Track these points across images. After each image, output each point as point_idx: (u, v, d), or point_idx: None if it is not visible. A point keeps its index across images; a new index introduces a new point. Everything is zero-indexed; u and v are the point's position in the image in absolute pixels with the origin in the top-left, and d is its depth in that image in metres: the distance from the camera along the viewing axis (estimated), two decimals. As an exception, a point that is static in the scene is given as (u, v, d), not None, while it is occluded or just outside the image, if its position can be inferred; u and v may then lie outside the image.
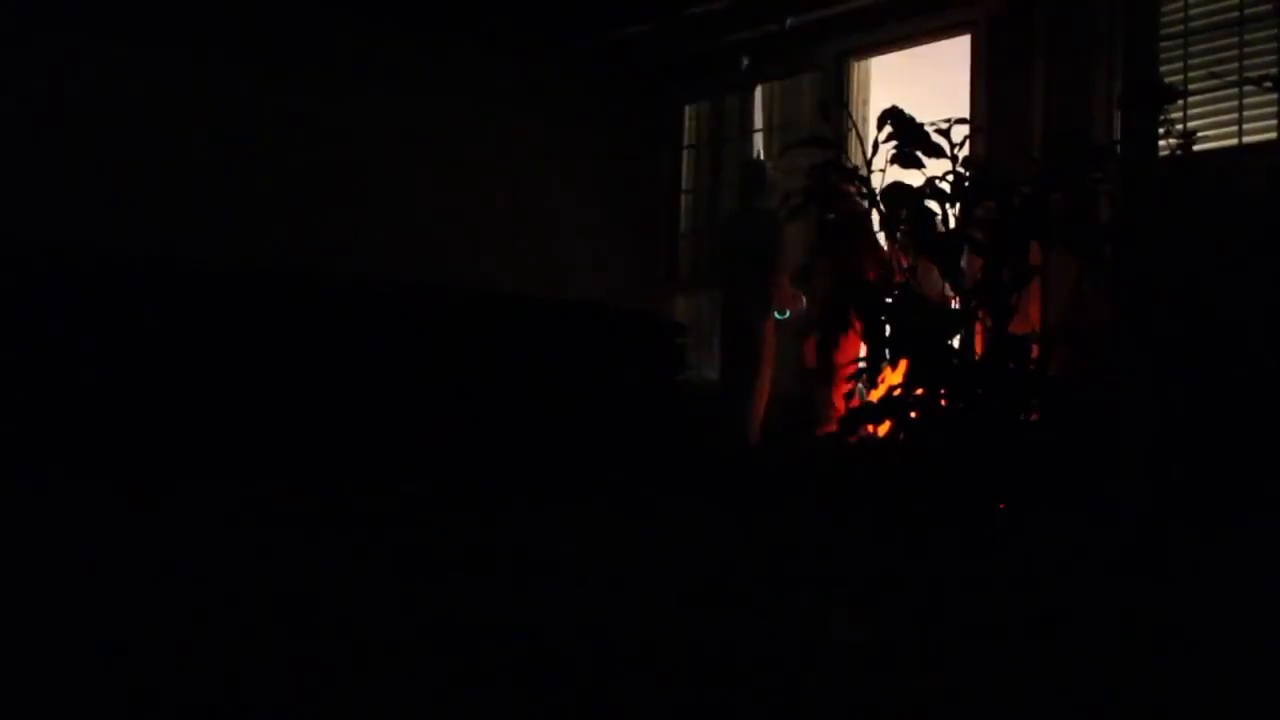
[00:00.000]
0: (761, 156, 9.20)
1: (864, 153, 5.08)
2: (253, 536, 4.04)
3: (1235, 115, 6.62)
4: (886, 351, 4.84)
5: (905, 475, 4.84)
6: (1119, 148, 5.27)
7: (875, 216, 5.14)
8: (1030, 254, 5.01)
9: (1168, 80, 6.59)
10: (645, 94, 10.05)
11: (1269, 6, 6.35)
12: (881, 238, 5.09)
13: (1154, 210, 4.68)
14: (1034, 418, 4.79)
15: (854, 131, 6.63)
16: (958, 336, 5.08)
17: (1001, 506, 4.60)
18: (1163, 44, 6.86)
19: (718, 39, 9.18)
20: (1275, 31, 6.47)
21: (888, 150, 4.97)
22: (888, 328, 4.84)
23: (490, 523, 4.66)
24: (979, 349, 5.07)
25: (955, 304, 5.15)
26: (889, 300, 4.90)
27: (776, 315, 7.70)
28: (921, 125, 4.96)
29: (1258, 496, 4.22)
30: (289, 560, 3.52)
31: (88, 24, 7.59)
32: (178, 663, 2.22)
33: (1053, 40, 7.43)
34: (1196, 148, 5.12)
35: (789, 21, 8.25)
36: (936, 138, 4.95)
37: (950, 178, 4.98)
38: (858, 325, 4.98)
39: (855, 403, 5.49)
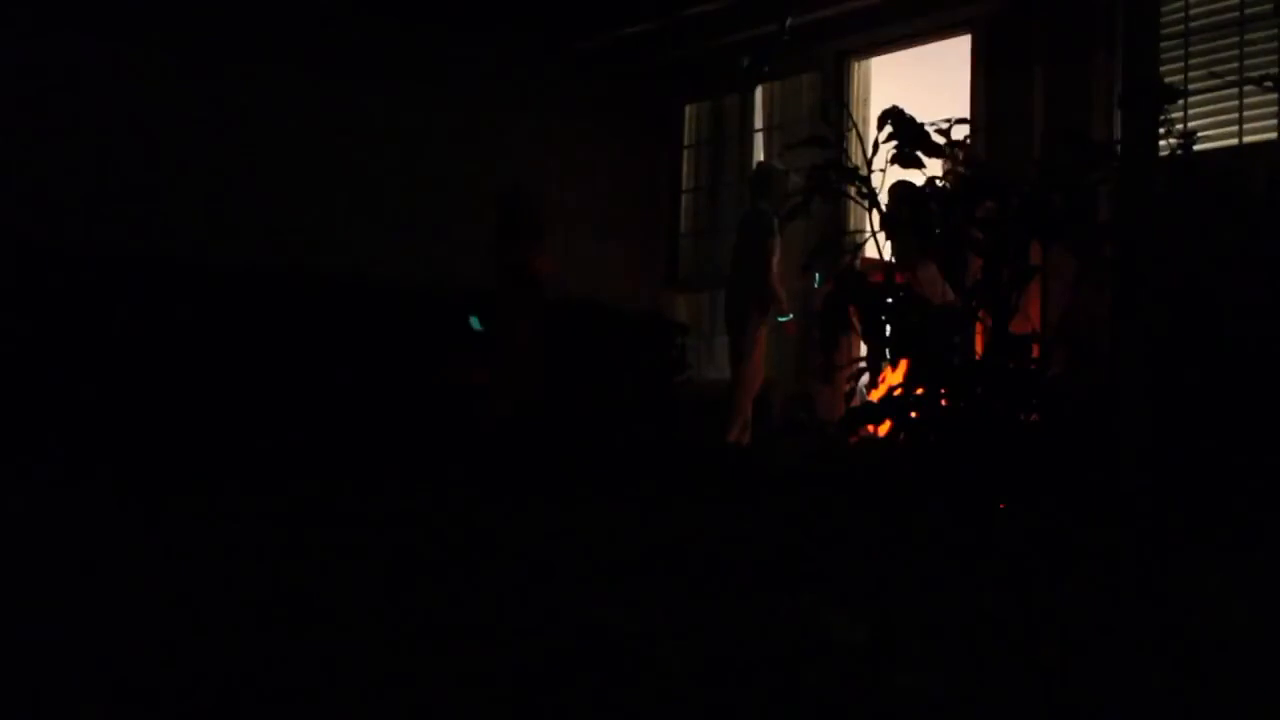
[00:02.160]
0: (763, 157, 9.21)
1: (864, 153, 5.08)
2: (250, 536, 4.03)
3: (1235, 115, 6.63)
4: (886, 351, 4.85)
5: (905, 475, 4.85)
6: (1119, 148, 5.27)
7: (875, 216, 5.14)
8: (1030, 254, 5.01)
9: (1168, 80, 6.59)
10: (645, 94, 10.06)
11: (1269, 6, 6.35)
12: (881, 237, 5.09)
13: (1154, 210, 4.68)
14: (1034, 417, 4.79)
15: (854, 131, 6.63)
16: (958, 336, 5.09)
17: (1002, 506, 4.60)
18: (1163, 44, 6.86)
19: (718, 39, 9.19)
20: (1275, 31, 6.47)
21: (888, 150, 4.97)
22: (888, 328, 4.84)
23: (488, 521, 4.66)
24: (979, 349, 5.08)
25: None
26: (889, 300, 4.91)
27: (779, 319, 7.70)
28: (921, 125, 4.96)
29: (1257, 496, 4.22)
30: (288, 560, 3.52)
31: (72, 21, 7.60)
32: (176, 663, 2.23)
33: (1053, 40, 7.43)
34: (1196, 148, 5.13)
35: (789, 21, 8.25)
36: (936, 138, 4.96)
37: (951, 178, 4.98)
38: (857, 325, 4.99)
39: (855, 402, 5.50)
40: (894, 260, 5.13)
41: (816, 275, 7.48)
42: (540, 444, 6.86)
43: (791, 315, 7.74)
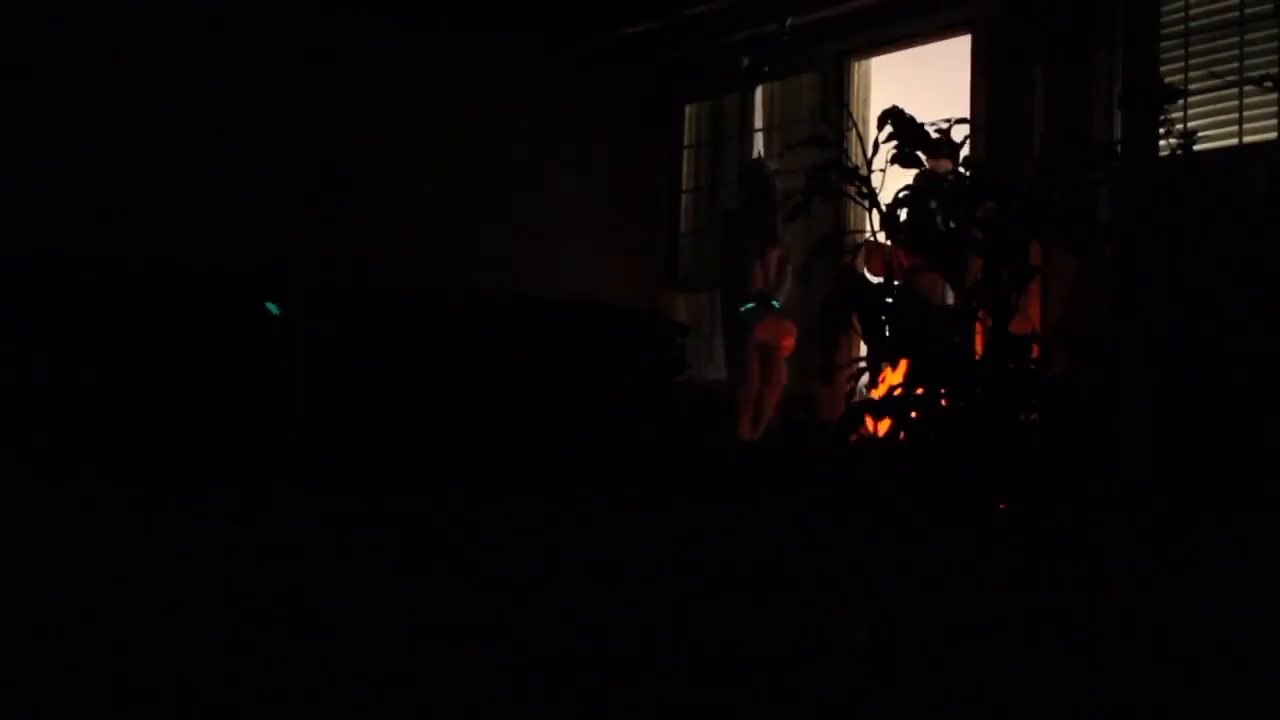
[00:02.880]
0: (762, 155, 9.21)
1: (864, 152, 5.08)
2: (251, 536, 4.04)
3: (1235, 115, 6.63)
4: (887, 351, 4.84)
5: (905, 475, 4.84)
6: (1119, 148, 5.28)
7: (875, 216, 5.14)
8: (1030, 254, 5.00)
9: (1168, 80, 6.60)
10: (645, 94, 10.05)
11: (1269, 6, 6.35)
12: (882, 236, 5.08)
13: (1154, 210, 4.67)
14: (1034, 417, 4.79)
15: (854, 131, 6.63)
16: (958, 336, 5.08)
17: (1002, 506, 4.60)
18: (1163, 44, 6.86)
19: (718, 39, 9.19)
20: (1275, 31, 6.47)
21: (888, 150, 4.96)
22: (888, 328, 4.83)
23: (488, 520, 4.66)
24: (979, 349, 5.07)
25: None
26: (889, 300, 4.90)
27: (773, 303, 7.66)
28: (921, 125, 4.95)
29: (1258, 496, 4.22)
30: (289, 559, 3.52)
31: (72, 21, 7.60)
32: (175, 663, 2.23)
33: (1053, 40, 7.43)
34: (1196, 148, 5.12)
35: (789, 21, 8.25)
36: (936, 138, 4.95)
37: (950, 178, 4.98)
38: (858, 325, 4.98)
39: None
40: (896, 250, 5.13)
41: (774, 302, 7.59)
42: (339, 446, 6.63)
43: (778, 304, 7.70)
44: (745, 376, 7.60)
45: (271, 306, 6.83)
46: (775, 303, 7.61)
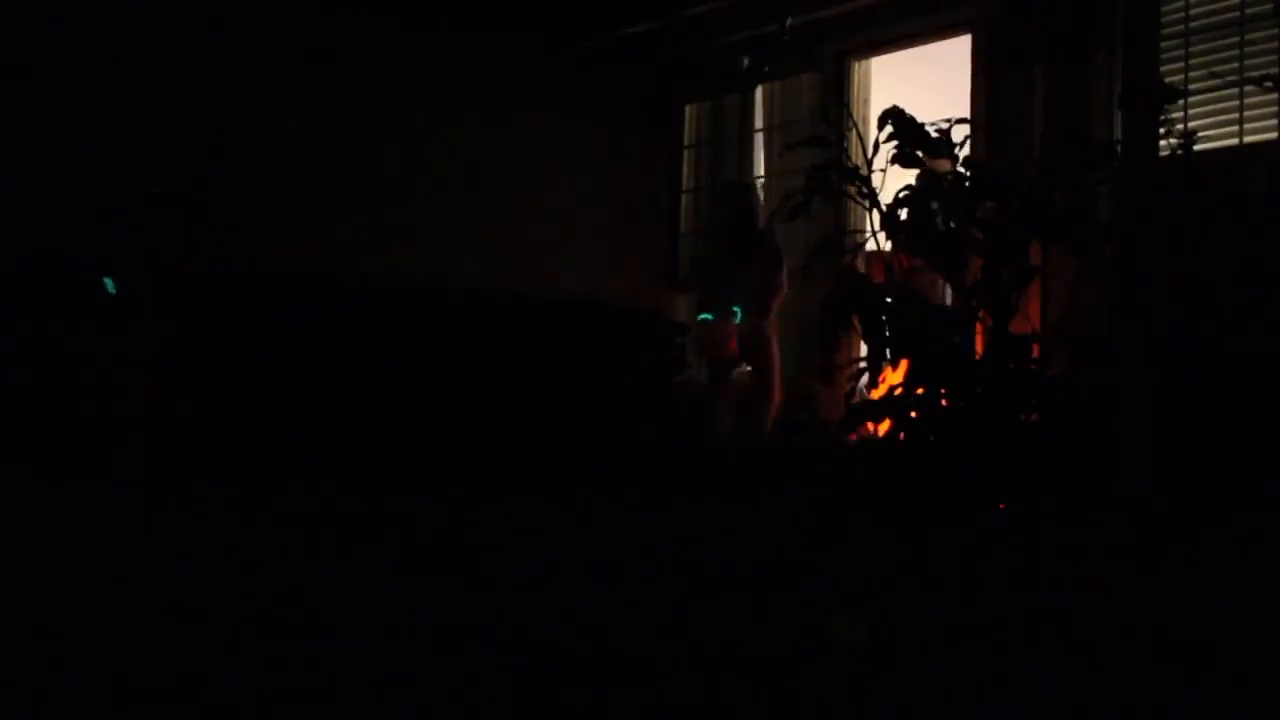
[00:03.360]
0: (763, 157, 9.24)
1: (864, 152, 5.08)
2: (253, 536, 4.03)
3: (1235, 115, 6.63)
4: (887, 351, 4.85)
5: (905, 475, 4.84)
6: (1119, 148, 5.28)
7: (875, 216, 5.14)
8: (1030, 254, 5.01)
9: (1168, 80, 6.60)
10: (645, 94, 10.05)
11: (1269, 6, 6.35)
12: (882, 237, 5.09)
13: (1154, 210, 4.68)
14: (1034, 417, 4.79)
15: (854, 131, 6.63)
16: (958, 336, 5.08)
17: (1002, 506, 4.60)
18: (1163, 44, 6.86)
19: (718, 39, 9.19)
20: (1275, 31, 6.47)
21: (888, 150, 4.97)
22: (888, 328, 4.84)
23: (488, 520, 4.66)
24: (979, 349, 5.07)
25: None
26: (889, 300, 4.91)
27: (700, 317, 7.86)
28: (922, 125, 4.96)
29: (1258, 496, 4.22)
30: (289, 559, 3.52)
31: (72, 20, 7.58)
32: (175, 663, 2.22)
33: (1053, 40, 7.43)
34: (1196, 148, 5.12)
35: (789, 21, 8.25)
36: (936, 138, 4.95)
37: (950, 178, 4.98)
38: (858, 325, 4.98)
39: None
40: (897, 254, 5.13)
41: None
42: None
43: (709, 316, 7.91)
44: (709, 380, 7.85)
45: (108, 282, 6.72)
46: (736, 310, 7.79)
